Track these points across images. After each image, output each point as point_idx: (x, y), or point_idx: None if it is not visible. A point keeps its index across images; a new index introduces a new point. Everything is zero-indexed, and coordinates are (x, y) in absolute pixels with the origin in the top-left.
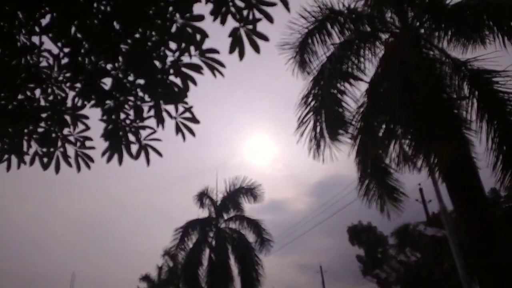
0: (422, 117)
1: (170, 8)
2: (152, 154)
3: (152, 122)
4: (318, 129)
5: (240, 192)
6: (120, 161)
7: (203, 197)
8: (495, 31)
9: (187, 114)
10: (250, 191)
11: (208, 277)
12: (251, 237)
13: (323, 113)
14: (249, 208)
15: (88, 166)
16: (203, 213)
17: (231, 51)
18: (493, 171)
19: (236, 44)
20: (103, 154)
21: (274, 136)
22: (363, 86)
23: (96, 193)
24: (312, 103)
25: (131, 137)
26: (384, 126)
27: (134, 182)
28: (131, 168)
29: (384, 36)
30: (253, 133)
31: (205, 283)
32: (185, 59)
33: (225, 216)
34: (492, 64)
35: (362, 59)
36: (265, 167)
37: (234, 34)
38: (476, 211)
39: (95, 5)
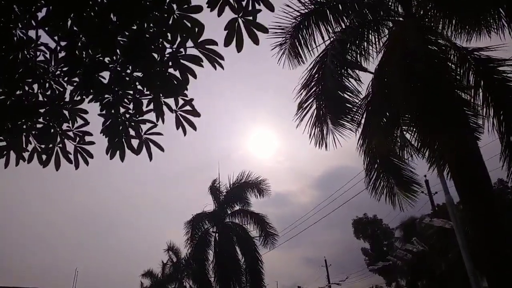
0: (425, 106)
1: None
2: (154, 148)
3: (153, 116)
4: (320, 114)
5: (246, 187)
6: (122, 157)
7: (215, 190)
8: (498, 18)
9: (187, 107)
10: (256, 186)
11: (216, 271)
12: (255, 231)
13: (324, 98)
14: (253, 201)
15: (87, 162)
16: (207, 207)
17: (226, 44)
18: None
19: (232, 37)
20: (107, 151)
21: (276, 129)
22: (369, 76)
23: (99, 189)
24: (314, 88)
25: (131, 132)
26: (389, 116)
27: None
28: (134, 162)
29: (387, 24)
30: (255, 126)
31: (214, 274)
32: (184, 51)
33: (229, 211)
34: (498, 53)
35: (364, 47)
36: (268, 160)
37: (231, 26)
38: (482, 202)
39: None
